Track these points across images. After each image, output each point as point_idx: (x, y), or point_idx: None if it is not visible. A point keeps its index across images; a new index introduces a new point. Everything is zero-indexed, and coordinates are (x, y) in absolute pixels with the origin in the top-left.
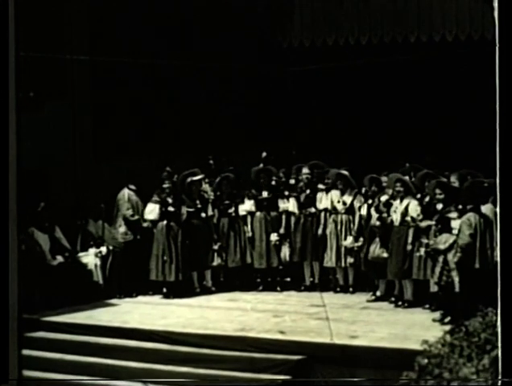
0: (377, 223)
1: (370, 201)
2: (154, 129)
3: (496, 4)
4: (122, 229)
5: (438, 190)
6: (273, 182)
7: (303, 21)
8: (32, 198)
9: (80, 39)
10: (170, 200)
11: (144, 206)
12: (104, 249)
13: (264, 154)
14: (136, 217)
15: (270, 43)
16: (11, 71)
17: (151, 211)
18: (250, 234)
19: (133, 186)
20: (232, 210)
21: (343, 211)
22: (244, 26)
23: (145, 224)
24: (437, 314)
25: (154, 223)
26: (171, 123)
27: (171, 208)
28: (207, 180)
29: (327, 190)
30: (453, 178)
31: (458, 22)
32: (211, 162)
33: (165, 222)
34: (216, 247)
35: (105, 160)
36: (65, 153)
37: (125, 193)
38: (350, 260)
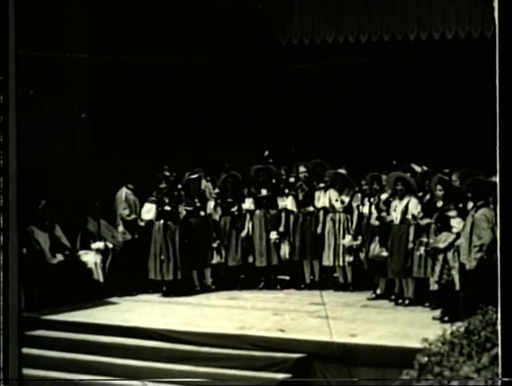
0: (377, 222)
1: (372, 199)
2: (154, 127)
3: (496, 4)
4: (121, 229)
5: (439, 187)
6: (273, 181)
7: (302, 19)
8: (32, 197)
9: (80, 37)
10: (166, 199)
11: (142, 205)
12: (102, 245)
13: (266, 153)
14: (133, 217)
15: (269, 41)
16: (11, 71)
17: (148, 210)
18: (247, 232)
19: (131, 186)
20: (235, 208)
21: (341, 210)
22: (243, 25)
23: (142, 224)
24: (437, 312)
25: (151, 222)
26: (170, 122)
27: (167, 207)
28: (208, 178)
29: (325, 189)
30: (455, 177)
31: (458, 20)
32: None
33: (162, 221)
34: (215, 245)
35: (105, 158)
36: (65, 152)
37: (123, 192)
38: (349, 258)
